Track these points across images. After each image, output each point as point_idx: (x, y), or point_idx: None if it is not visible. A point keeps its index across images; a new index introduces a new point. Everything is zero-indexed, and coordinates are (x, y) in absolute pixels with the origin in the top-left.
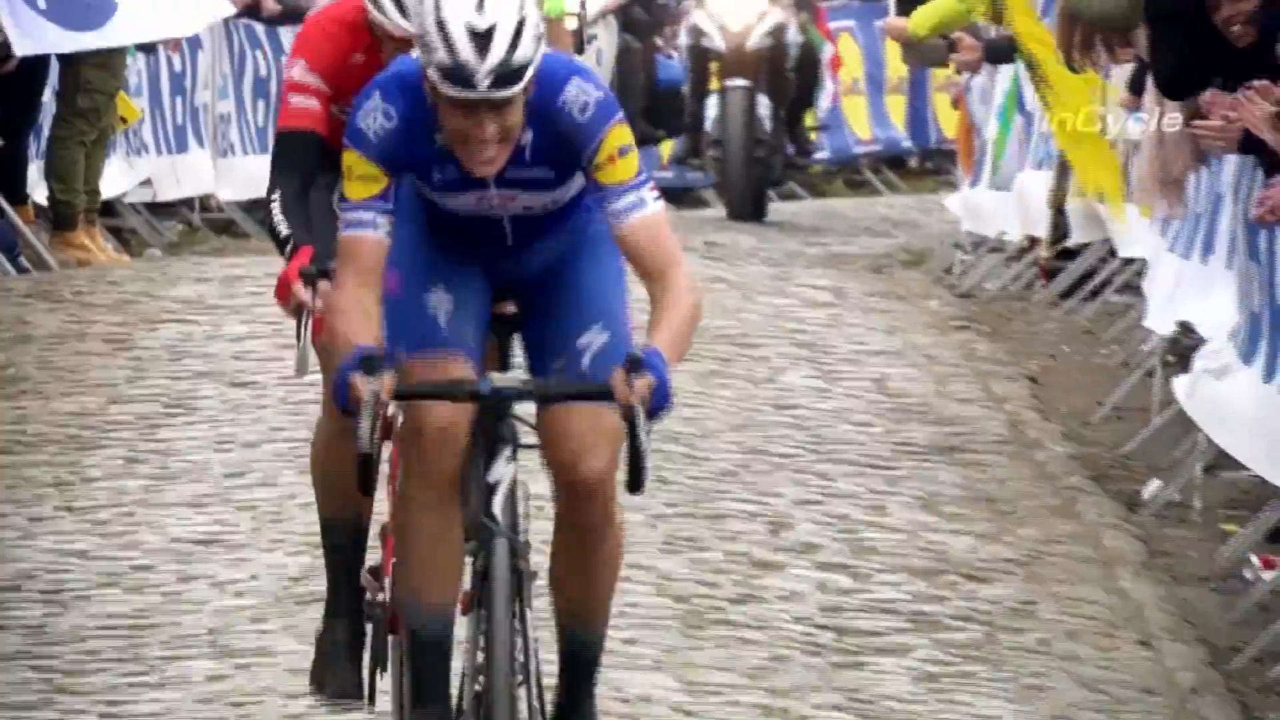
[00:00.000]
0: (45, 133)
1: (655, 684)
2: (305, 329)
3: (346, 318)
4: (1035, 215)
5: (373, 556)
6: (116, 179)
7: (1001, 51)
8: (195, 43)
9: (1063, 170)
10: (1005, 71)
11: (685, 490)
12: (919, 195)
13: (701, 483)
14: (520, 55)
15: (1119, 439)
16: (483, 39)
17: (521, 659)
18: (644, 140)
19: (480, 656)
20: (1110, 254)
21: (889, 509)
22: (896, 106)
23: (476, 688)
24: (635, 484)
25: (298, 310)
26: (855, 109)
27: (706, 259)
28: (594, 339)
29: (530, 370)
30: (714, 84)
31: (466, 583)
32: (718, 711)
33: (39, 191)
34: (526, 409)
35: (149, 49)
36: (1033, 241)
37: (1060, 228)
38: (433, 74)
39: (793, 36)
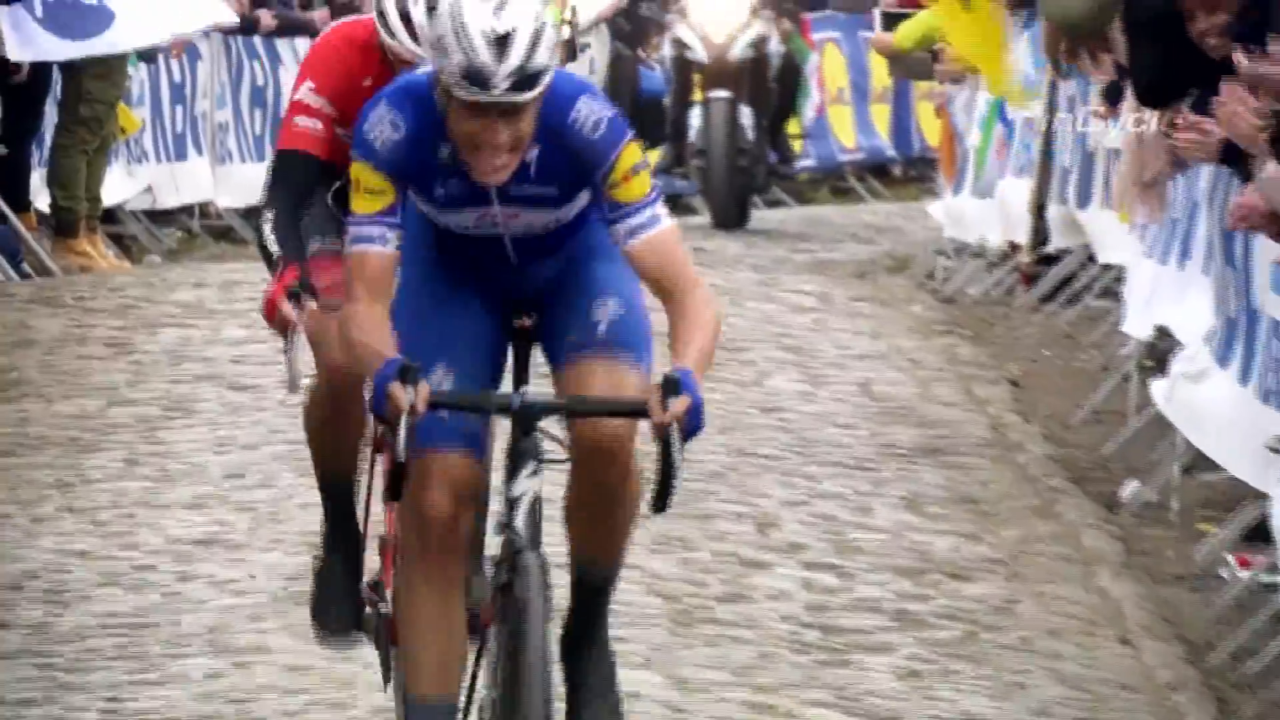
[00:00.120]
0: (48, 141)
1: (645, 681)
2: (293, 347)
3: (365, 331)
4: (1016, 221)
5: (372, 551)
6: (117, 187)
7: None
8: (194, 53)
9: (1043, 176)
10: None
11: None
12: (903, 202)
13: (690, 483)
14: (537, 61)
15: (1098, 441)
16: (501, 43)
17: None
18: None
19: (503, 667)
20: (1089, 260)
21: (874, 509)
22: (881, 116)
23: (495, 694)
24: (662, 504)
25: (285, 329)
26: (840, 118)
27: (695, 265)
28: (607, 307)
29: (549, 355)
30: (697, 95)
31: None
32: (706, 708)
33: (41, 199)
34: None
35: (150, 58)
36: (1014, 247)
37: (1040, 234)
38: (448, 77)
39: (774, 48)
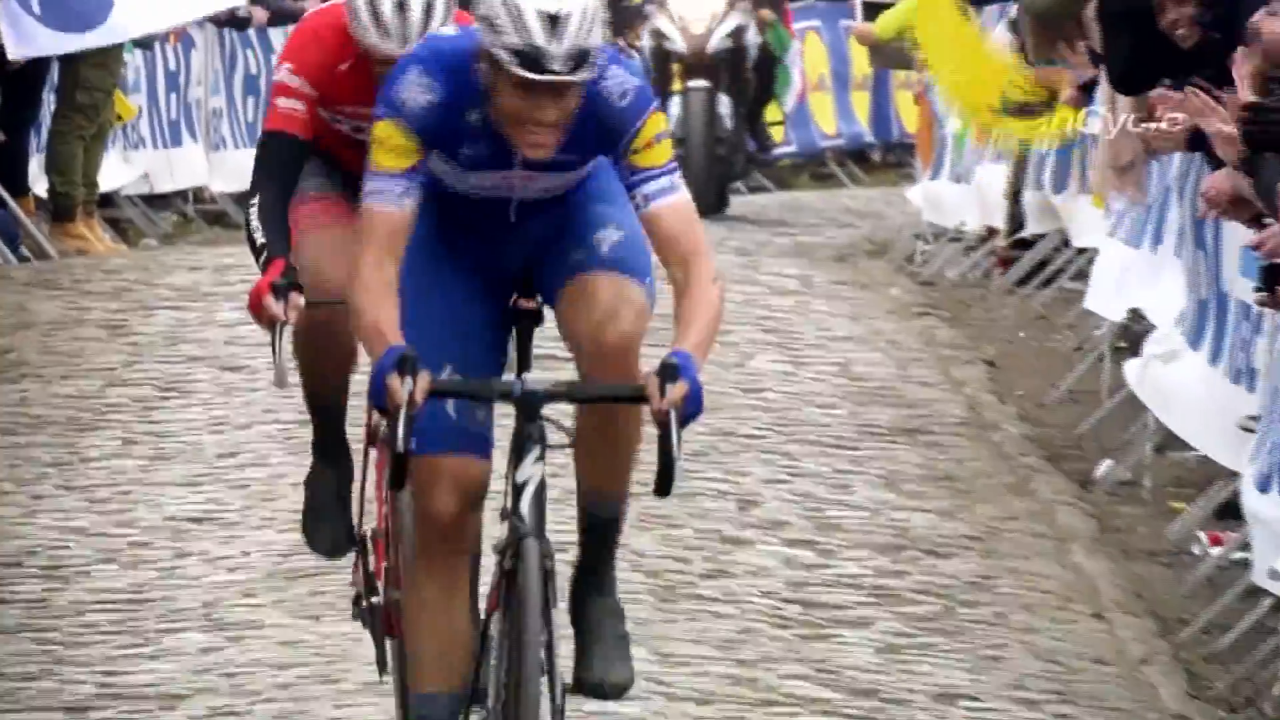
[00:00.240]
0: (45, 128)
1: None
2: (279, 341)
3: (372, 301)
4: (993, 206)
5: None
6: (114, 172)
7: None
8: (188, 42)
9: (1019, 163)
10: None
11: (648, 458)
12: (882, 188)
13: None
14: (590, 40)
15: (1072, 420)
16: (556, 23)
17: (547, 658)
18: None
19: (505, 654)
20: (1064, 244)
21: (853, 488)
22: (861, 102)
23: (503, 679)
24: (665, 488)
25: (271, 324)
26: (821, 105)
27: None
28: (608, 232)
29: (547, 289)
30: (676, 85)
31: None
32: (689, 682)
33: (39, 184)
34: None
35: (146, 45)
36: (991, 231)
37: (1017, 218)
38: (502, 55)
39: (751, 38)
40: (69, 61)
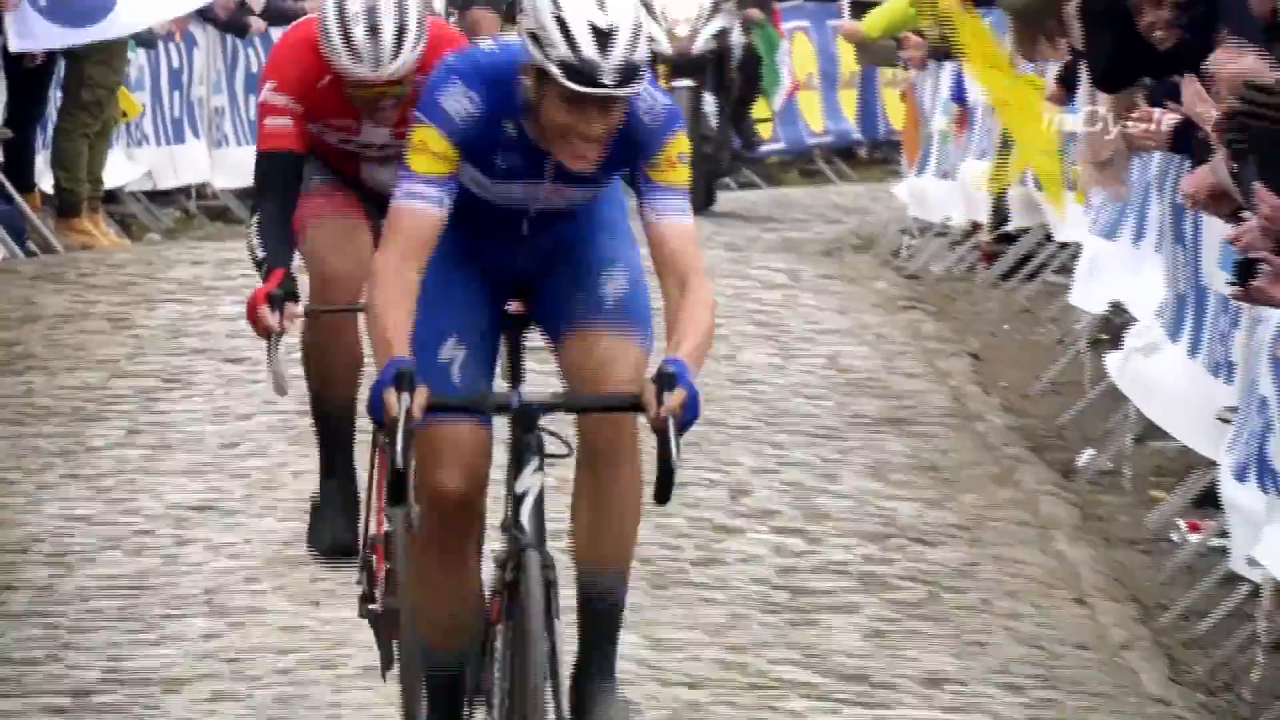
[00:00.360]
0: (51, 125)
1: (622, 640)
2: (275, 350)
3: (387, 303)
4: (977, 202)
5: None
6: (118, 169)
7: (945, 50)
8: (191, 41)
9: (1002, 159)
10: (949, 68)
11: (649, 459)
12: (869, 184)
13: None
14: (639, 55)
15: (1055, 411)
16: (606, 37)
17: (549, 667)
18: None
19: (509, 665)
20: (1047, 238)
21: (841, 477)
22: (848, 100)
23: (503, 691)
24: (664, 495)
25: (266, 333)
26: (809, 103)
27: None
28: (615, 279)
29: (548, 330)
30: (661, 85)
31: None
32: (680, 666)
33: (45, 180)
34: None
35: (149, 44)
36: (975, 226)
37: (1001, 213)
38: (553, 69)
39: (736, 39)
40: (74, 59)
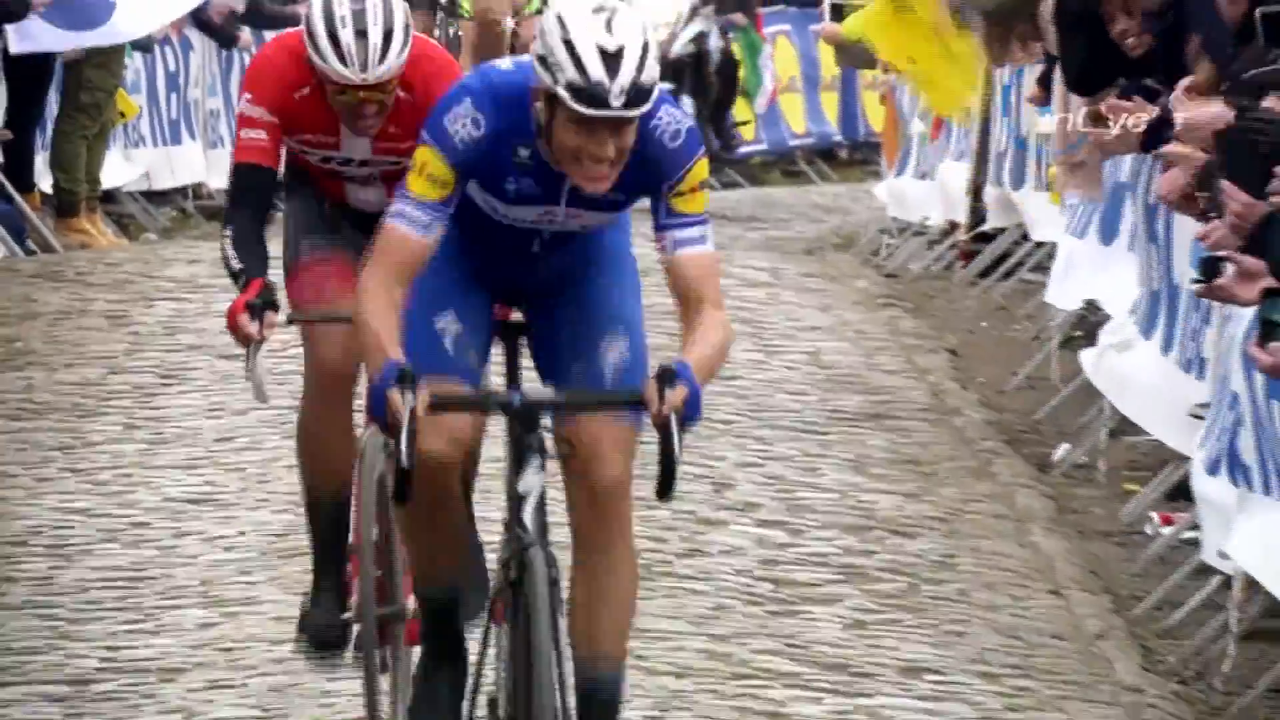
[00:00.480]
0: (50, 127)
1: None
2: (254, 359)
3: (375, 315)
4: (955, 202)
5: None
6: (116, 169)
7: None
8: (187, 44)
9: (980, 160)
10: None
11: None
12: (849, 184)
13: (650, 446)
14: (647, 76)
15: (1031, 406)
16: (613, 59)
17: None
18: None
19: (511, 666)
20: (1023, 238)
21: (822, 470)
22: (829, 103)
23: (505, 691)
24: (666, 491)
25: (246, 342)
26: (792, 105)
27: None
28: (615, 346)
29: (543, 375)
30: None
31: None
32: (666, 655)
33: (45, 181)
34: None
35: (146, 48)
36: (953, 226)
37: (978, 213)
38: (562, 92)
39: (714, 43)
40: (73, 63)
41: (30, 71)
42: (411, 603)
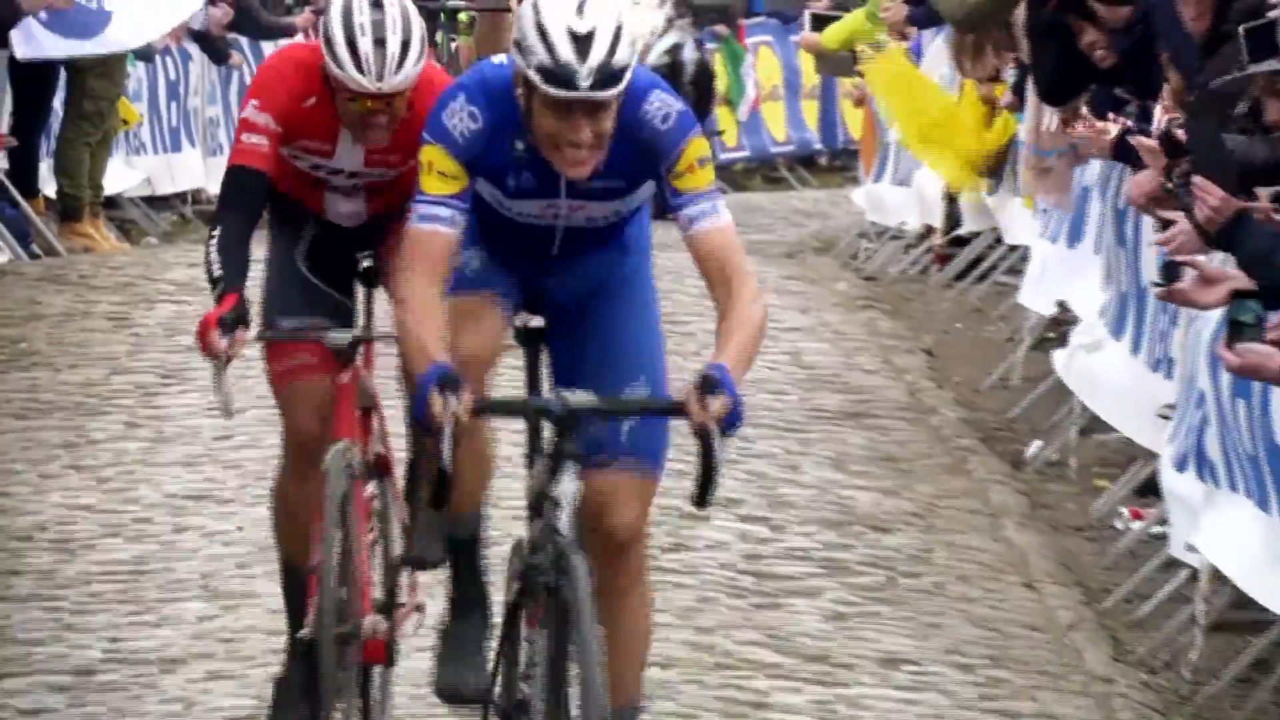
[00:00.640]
0: (54, 134)
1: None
2: (222, 375)
3: (419, 320)
4: (931, 207)
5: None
6: (118, 176)
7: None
8: (186, 54)
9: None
10: None
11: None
12: (829, 190)
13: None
14: (619, 58)
15: (1005, 405)
16: (583, 41)
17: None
18: None
19: (552, 671)
20: (997, 241)
21: (802, 467)
22: (810, 111)
23: (540, 696)
24: (704, 499)
25: (214, 356)
26: (773, 113)
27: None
28: (637, 391)
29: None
30: None
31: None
32: (652, 647)
33: (49, 186)
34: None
35: (147, 58)
36: (929, 230)
37: (953, 218)
38: (532, 75)
39: (689, 55)
40: (76, 72)
41: (34, 79)
42: (368, 622)
